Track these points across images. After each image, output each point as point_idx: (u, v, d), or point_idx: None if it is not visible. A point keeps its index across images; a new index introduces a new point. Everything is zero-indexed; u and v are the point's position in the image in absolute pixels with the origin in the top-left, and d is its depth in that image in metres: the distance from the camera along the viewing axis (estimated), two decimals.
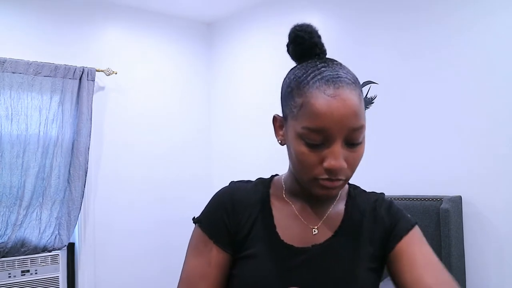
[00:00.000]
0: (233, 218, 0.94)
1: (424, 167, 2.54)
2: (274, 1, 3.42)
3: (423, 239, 0.90)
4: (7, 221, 2.84)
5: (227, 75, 3.80)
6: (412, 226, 0.90)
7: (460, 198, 2.36)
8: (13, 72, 2.87)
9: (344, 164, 0.82)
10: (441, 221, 2.26)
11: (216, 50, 3.92)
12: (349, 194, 0.97)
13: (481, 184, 2.32)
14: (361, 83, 2.81)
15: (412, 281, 0.84)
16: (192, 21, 3.89)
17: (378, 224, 0.91)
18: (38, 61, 2.97)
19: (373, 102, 2.78)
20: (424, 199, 2.37)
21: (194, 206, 4.06)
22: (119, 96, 3.45)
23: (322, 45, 0.88)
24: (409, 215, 0.94)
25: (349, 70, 0.85)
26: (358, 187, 1.01)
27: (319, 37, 0.89)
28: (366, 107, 2.81)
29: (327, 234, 0.90)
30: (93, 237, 3.26)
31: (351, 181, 1.02)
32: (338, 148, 0.80)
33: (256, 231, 0.93)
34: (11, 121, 2.87)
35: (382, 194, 0.98)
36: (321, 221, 0.92)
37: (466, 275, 2.35)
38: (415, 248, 0.87)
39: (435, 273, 0.86)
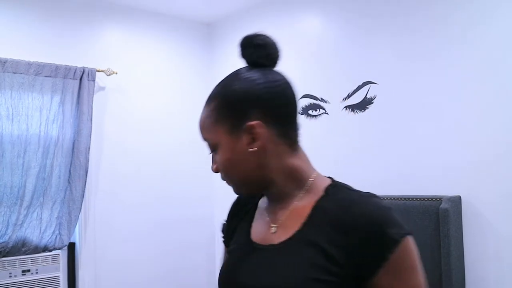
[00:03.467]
0: None
1: (423, 167, 2.54)
2: (274, 1, 3.43)
3: (407, 263, 0.81)
4: (8, 220, 2.85)
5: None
6: (390, 252, 0.78)
7: (459, 198, 2.37)
8: (14, 72, 2.88)
9: (215, 167, 0.92)
10: (440, 221, 2.27)
11: (216, 50, 3.93)
12: (325, 192, 0.88)
13: (480, 184, 2.33)
14: (360, 83, 2.83)
15: None
16: (192, 21, 3.89)
17: (346, 235, 0.80)
18: (39, 61, 2.98)
19: (372, 102, 2.79)
20: (424, 199, 2.38)
21: (194, 206, 4.11)
22: (120, 96, 3.45)
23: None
24: (393, 229, 0.80)
25: (224, 82, 0.91)
26: (343, 186, 0.90)
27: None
28: (366, 107, 2.82)
29: (286, 234, 0.87)
30: (93, 236, 3.27)
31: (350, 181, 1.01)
32: (211, 155, 0.94)
33: (240, 229, 1.00)
34: (12, 121, 2.88)
35: (368, 195, 0.85)
36: (278, 223, 0.90)
37: (466, 275, 2.35)
38: (392, 283, 0.80)
39: None
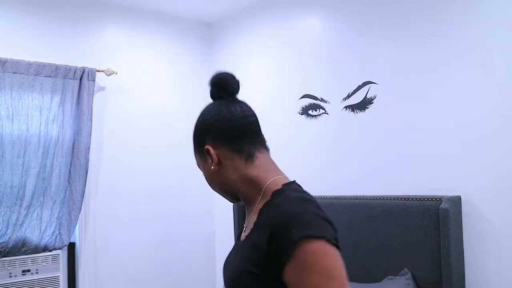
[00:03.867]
0: None
1: (423, 167, 2.54)
2: (274, 2, 3.43)
3: (312, 265, 0.88)
4: (8, 220, 2.85)
5: None
6: (291, 250, 0.89)
7: (459, 198, 2.37)
8: (14, 72, 2.88)
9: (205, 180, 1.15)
10: (440, 221, 2.27)
11: (216, 50, 3.93)
12: (271, 197, 1.03)
13: (480, 184, 2.33)
14: (360, 83, 2.83)
15: None
16: (192, 21, 3.89)
17: (265, 231, 0.95)
18: (39, 61, 2.98)
19: (372, 102, 2.79)
20: (424, 199, 2.38)
21: (195, 206, 4.11)
22: (120, 96, 3.45)
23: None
24: (294, 229, 0.90)
25: (197, 117, 1.17)
26: (286, 190, 1.03)
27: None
28: (366, 107, 2.82)
29: (247, 234, 1.05)
30: (93, 236, 3.27)
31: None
32: None
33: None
34: (12, 121, 2.88)
35: (294, 199, 0.98)
36: (248, 224, 1.09)
37: (466, 275, 2.35)
38: (298, 282, 0.89)
39: None
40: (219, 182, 1.11)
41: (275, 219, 0.95)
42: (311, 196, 1.01)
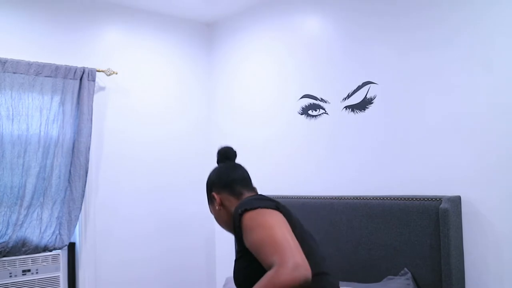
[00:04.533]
0: None
1: (423, 167, 2.55)
2: (274, 2, 3.43)
3: (251, 225, 1.32)
4: (8, 220, 2.85)
5: (227, 76, 3.81)
6: (239, 221, 1.37)
7: (459, 198, 2.37)
8: (14, 73, 2.88)
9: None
10: (440, 221, 2.27)
11: (216, 50, 3.93)
12: None
13: (480, 184, 2.33)
14: (360, 83, 2.83)
15: (263, 265, 1.24)
16: (192, 21, 3.89)
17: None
18: (39, 61, 2.98)
19: (372, 102, 2.79)
20: (423, 199, 2.38)
21: (195, 206, 4.10)
22: (120, 96, 3.46)
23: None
24: (239, 209, 1.39)
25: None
26: (239, 202, 1.52)
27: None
28: (366, 107, 2.82)
29: None
30: (93, 236, 3.27)
31: None
32: None
33: None
34: (12, 121, 2.88)
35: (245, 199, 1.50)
36: None
37: (466, 275, 2.35)
38: (250, 241, 1.31)
39: (266, 251, 1.22)
40: (224, 219, 1.64)
41: (232, 216, 1.45)
42: (260, 195, 1.57)
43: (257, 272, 1.28)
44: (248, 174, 1.70)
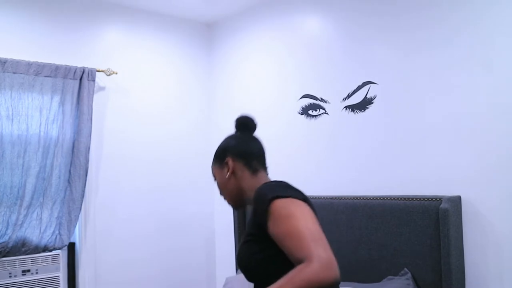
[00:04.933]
0: None
1: (423, 167, 2.54)
2: (274, 2, 3.43)
3: (282, 213, 1.22)
4: (8, 221, 2.85)
5: (227, 76, 3.81)
6: (267, 205, 1.25)
7: (459, 198, 2.37)
8: (14, 73, 2.88)
9: (219, 192, 1.59)
10: (440, 221, 2.27)
11: (216, 50, 3.93)
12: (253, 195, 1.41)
13: (480, 184, 2.33)
14: (360, 83, 2.83)
15: (290, 257, 1.17)
16: (192, 21, 3.89)
17: (252, 210, 1.36)
18: (39, 61, 2.98)
19: (372, 102, 2.79)
20: (423, 199, 2.38)
21: (195, 206, 4.10)
22: (120, 96, 3.45)
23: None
24: (268, 195, 1.27)
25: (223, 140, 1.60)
26: (264, 184, 1.43)
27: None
28: (366, 107, 2.82)
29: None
30: (93, 236, 3.27)
31: None
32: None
33: None
34: (12, 121, 2.88)
35: (260, 186, 1.40)
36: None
37: (466, 275, 2.35)
38: (277, 229, 1.22)
39: (297, 244, 1.14)
40: (230, 189, 1.53)
41: (255, 197, 1.34)
42: (284, 182, 1.41)
43: (272, 260, 1.27)
44: (265, 152, 1.59)
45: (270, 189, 1.32)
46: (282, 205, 1.24)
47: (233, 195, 1.53)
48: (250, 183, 1.49)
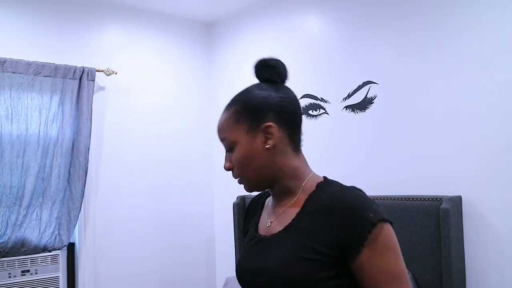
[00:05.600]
0: None
1: (424, 167, 2.54)
2: (274, 2, 3.42)
3: (387, 244, 0.95)
4: (7, 221, 2.84)
5: (227, 76, 3.80)
6: (369, 232, 0.93)
7: (460, 198, 2.36)
8: (13, 72, 2.87)
9: (228, 165, 1.08)
10: (441, 221, 2.26)
11: (216, 50, 3.92)
12: (314, 190, 1.05)
13: (481, 184, 2.32)
14: (361, 83, 2.82)
15: None
16: (192, 21, 3.89)
17: (329, 217, 0.96)
18: (38, 61, 2.97)
19: (373, 102, 2.79)
20: (424, 199, 2.37)
21: (195, 206, 4.10)
22: (119, 96, 3.45)
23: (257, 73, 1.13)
24: (371, 213, 0.95)
25: (244, 91, 1.10)
26: (332, 182, 1.07)
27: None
28: (366, 107, 2.82)
29: (279, 227, 1.04)
30: (93, 237, 3.26)
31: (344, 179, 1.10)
32: (225, 154, 1.10)
33: (252, 225, 1.18)
34: (11, 121, 2.87)
35: (352, 188, 1.02)
36: (277, 216, 1.08)
37: (466, 275, 2.35)
38: (375, 262, 0.94)
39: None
40: (262, 165, 1.05)
41: (347, 204, 0.96)
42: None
43: None
44: None
45: (367, 204, 0.98)
46: (390, 234, 0.97)
47: (263, 176, 1.06)
48: (296, 163, 1.08)
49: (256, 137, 1.04)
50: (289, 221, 1.03)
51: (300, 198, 1.05)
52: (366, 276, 0.94)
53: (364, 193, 1.01)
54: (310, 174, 1.09)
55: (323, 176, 1.10)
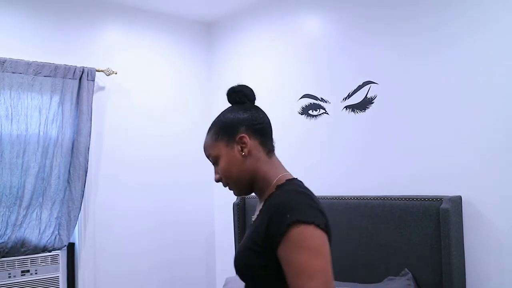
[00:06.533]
0: None
1: (424, 167, 2.54)
2: (274, 2, 3.42)
3: (299, 243, 1.06)
4: (7, 221, 2.84)
5: (227, 76, 3.80)
6: (284, 230, 1.08)
7: (460, 198, 2.36)
8: (13, 72, 2.87)
9: (217, 177, 1.31)
10: (441, 221, 2.26)
11: (216, 50, 3.92)
12: (273, 191, 1.23)
13: (481, 184, 2.32)
14: (361, 83, 2.82)
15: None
16: (192, 21, 3.89)
17: (266, 216, 1.16)
18: (38, 61, 2.97)
19: (373, 102, 2.78)
20: (424, 199, 2.37)
21: (195, 207, 4.09)
22: (119, 96, 3.45)
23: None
24: (289, 214, 1.09)
25: (219, 116, 1.32)
26: (288, 184, 1.23)
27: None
28: (366, 107, 2.81)
29: (254, 220, 1.27)
30: (93, 237, 3.26)
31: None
32: (214, 168, 1.32)
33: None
34: (11, 121, 2.87)
35: (289, 190, 1.20)
36: (257, 213, 1.28)
37: (466, 275, 2.35)
38: (287, 257, 1.08)
39: (306, 285, 1.04)
40: (241, 170, 1.26)
41: (274, 206, 1.14)
42: (308, 190, 1.22)
43: (272, 280, 1.14)
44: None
45: (293, 204, 1.12)
46: (306, 235, 1.07)
47: (244, 180, 1.27)
48: (267, 167, 1.27)
49: (233, 148, 1.26)
50: (256, 216, 1.26)
51: (265, 197, 1.25)
52: (284, 267, 1.09)
53: (306, 196, 1.17)
54: (279, 176, 1.26)
55: (291, 178, 1.26)
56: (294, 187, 1.21)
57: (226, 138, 1.26)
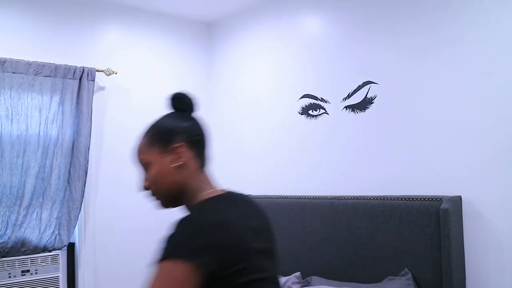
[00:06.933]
0: None
1: (423, 167, 2.54)
2: (274, 2, 3.42)
3: (154, 273, 1.00)
4: (7, 221, 2.84)
5: (227, 76, 3.80)
6: (158, 260, 1.02)
7: (460, 198, 2.36)
8: (13, 72, 2.88)
9: (145, 184, 1.22)
10: (441, 221, 2.26)
11: (216, 50, 3.92)
12: (193, 207, 1.17)
13: (481, 184, 2.32)
14: (361, 83, 2.82)
15: None
16: (192, 21, 3.89)
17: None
18: (38, 61, 2.97)
19: (373, 102, 2.78)
20: (424, 199, 2.37)
21: None
22: (119, 96, 3.45)
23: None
24: (166, 247, 1.02)
25: (157, 120, 1.26)
26: (202, 204, 1.14)
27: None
28: (366, 107, 2.82)
29: None
30: (93, 237, 3.26)
31: None
32: (142, 175, 1.24)
33: None
34: (11, 121, 2.87)
35: (193, 213, 1.12)
36: None
37: (466, 275, 2.35)
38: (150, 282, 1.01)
39: None
40: (171, 181, 1.18)
41: (181, 223, 1.06)
42: (228, 209, 1.12)
43: None
44: None
45: (174, 236, 1.04)
46: (161, 270, 1.01)
47: (172, 192, 1.19)
48: (197, 181, 1.19)
49: (166, 157, 1.18)
50: None
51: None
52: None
53: (201, 223, 1.06)
54: (206, 192, 1.18)
55: (215, 196, 1.17)
56: (205, 210, 1.12)
57: (160, 145, 1.19)
